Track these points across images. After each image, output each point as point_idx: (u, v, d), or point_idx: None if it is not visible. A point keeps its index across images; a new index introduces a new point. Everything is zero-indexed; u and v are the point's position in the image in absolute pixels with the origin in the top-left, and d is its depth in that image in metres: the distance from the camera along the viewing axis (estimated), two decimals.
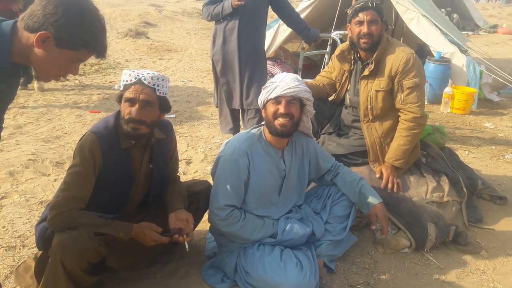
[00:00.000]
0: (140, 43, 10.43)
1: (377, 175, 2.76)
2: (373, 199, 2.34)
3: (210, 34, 3.85)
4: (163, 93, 2.02)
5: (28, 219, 2.82)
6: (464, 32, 12.38)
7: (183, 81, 7.21)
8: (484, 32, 15.55)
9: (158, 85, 2.00)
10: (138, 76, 1.96)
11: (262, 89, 2.24)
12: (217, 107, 3.95)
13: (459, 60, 5.87)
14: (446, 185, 2.85)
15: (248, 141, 2.22)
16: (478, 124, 5.14)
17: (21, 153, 3.75)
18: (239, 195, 2.17)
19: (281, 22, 5.52)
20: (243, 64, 3.59)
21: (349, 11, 2.79)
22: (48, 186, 3.28)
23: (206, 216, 2.34)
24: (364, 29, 2.66)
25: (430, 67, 5.86)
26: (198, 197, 2.34)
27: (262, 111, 2.26)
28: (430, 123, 4.82)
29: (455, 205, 2.82)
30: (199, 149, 4.17)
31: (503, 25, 16.22)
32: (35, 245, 2.33)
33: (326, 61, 5.13)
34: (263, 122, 2.31)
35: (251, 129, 2.34)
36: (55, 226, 1.88)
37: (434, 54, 5.92)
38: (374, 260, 2.48)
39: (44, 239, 2.00)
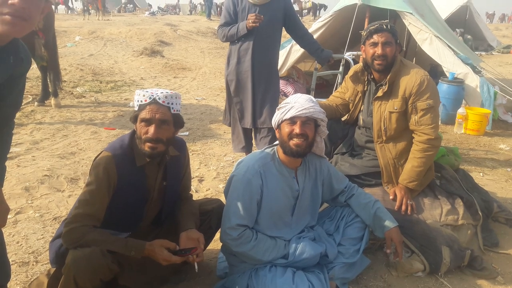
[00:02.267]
0: (155, 62, 10.61)
1: (391, 197, 2.74)
2: (389, 223, 2.32)
3: (223, 53, 3.91)
4: (177, 110, 2.06)
5: (42, 235, 2.85)
6: (477, 53, 12.38)
7: (196, 99, 7.29)
8: (497, 52, 15.51)
9: (172, 103, 2.03)
10: (153, 96, 1.99)
11: (276, 110, 2.25)
12: (229, 125, 3.98)
13: (472, 81, 5.86)
14: (460, 208, 2.81)
15: (261, 161, 2.22)
16: (492, 146, 5.09)
17: (37, 169, 3.81)
18: (251, 215, 2.17)
19: (294, 42, 5.58)
20: (257, 84, 3.63)
21: (364, 33, 2.81)
22: (62, 202, 3.32)
23: (217, 235, 2.34)
24: (379, 50, 2.68)
25: (443, 87, 5.85)
26: (210, 216, 2.35)
27: (276, 131, 2.27)
28: (443, 144, 4.78)
29: (470, 228, 2.78)
30: (212, 167, 4.19)
31: None
32: (48, 261, 2.35)
33: (339, 81, 5.16)
34: (276, 142, 2.32)
35: (265, 148, 2.35)
36: (68, 242, 1.90)
37: (447, 74, 5.91)
38: (388, 284, 2.44)
39: (58, 256, 2.02)
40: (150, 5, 41.72)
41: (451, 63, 5.96)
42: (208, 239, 2.39)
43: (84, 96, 7.06)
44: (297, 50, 6.89)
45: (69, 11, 31.64)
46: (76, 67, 9.14)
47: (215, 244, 2.61)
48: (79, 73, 8.78)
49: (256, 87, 3.63)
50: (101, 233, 1.95)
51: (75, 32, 14.27)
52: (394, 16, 6.41)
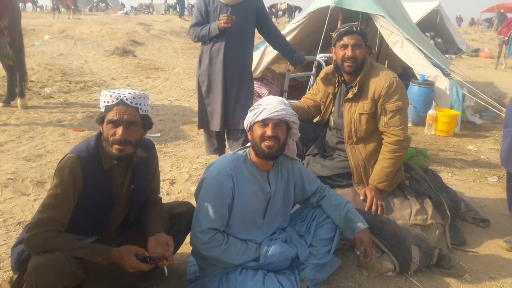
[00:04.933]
0: (127, 62, 10.43)
1: (361, 197, 2.76)
2: (359, 225, 2.34)
3: (197, 54, 3.86)
4: (145, 111, 2.02)
5: (4, 240, 2.74)
6: (447, 56, 12.70)
7: (169, 100, 7.20)
8: (466, 55, 15.97)
9: (140, 104, 1.98)
10: (120, 96, 1.94)
11: (248, 111, 2.23)
12: (200, 128, 3.91)
13: (442, 83, 6.00)
14: (429, 207, 2.86)
15: (233, 163, 2.19)
16: (461, 146, 5.21)
17: (1, 172, 3.66)
18: (222, 219, 2.14)
19: None
20: (229, 85, 3.59)
21: (334, 35, 2.83)
22: (27, 206, 3.20)
23: (188, 238, 2.30)
24: (348, 52, 2.70)
25: (414, 89, 5.96)
26: (180, 220, 2.31)
27: (248, 133, 2.25)
28: (414, 144, 4.88)
29: (438, 228, 2.83)
30: (184, 169, 4.14)
31: (485, 49, 16.69)
32: (10, 268, 2.25)
33: (311, 83, 5.18)
34: (248, 144, 2.30)
35: (237, 151, 2.32)
36: (30, 247, 1.83)
37: (418, 77, 6.03)
38: (358, 284, 2.45)
39: (20, 262, 1.94)
40: (123, 4, 41.09)
41: (421, 65, 6.08)
42: (178, 242, 2.34)
43: (53, 97, 6.87)
44: (271, 52, 6.89)
45: (37, 8, 30.84)
46: (45, 67, 8.88)
47: (186, 247, 2.56)
48: (48, 73, 8.53)
49: (228, 88, 3.60)
50: (66, 239, 1.88)
51: (44, 31, 13.90)
52: (367, 18, 6.50)
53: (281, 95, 5.25)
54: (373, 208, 2.68)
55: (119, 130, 1.92)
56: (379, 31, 6.36)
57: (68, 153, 1.99)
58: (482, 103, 6.30)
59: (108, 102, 1.94)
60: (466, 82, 6.79)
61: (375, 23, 6.25)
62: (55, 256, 1.77)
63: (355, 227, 2.34)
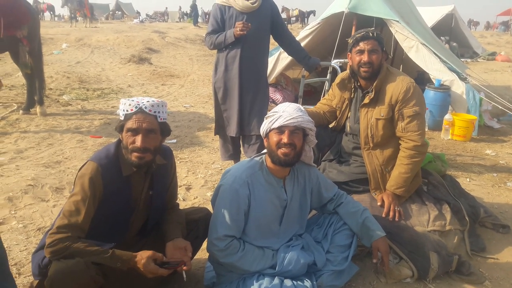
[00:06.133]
0: (143, 69, 10.57)
1: (379, 203, 2.74)
2: (376, 233, 2.32)
3: (212, 60, 3.90)
4: (163, 119, 2.04)
5: (25, 246, 2.79)
6: (463, 60, 12.56)
7: (185, 107, 7.26)
8: (482, 59, 15.76)
9: (158, 112, 2.01)
10: (138, 105, 1.97)
11: (264, 118, 2.24)
12: (217, 134, 3.94)
13: (458, 88, 5.93)
14: (448, 213, 2.82)
15: (249, 170, 2.20)
16: (479, 151, 5.14)
17: (21, 178, 3.74)
18: (238, 226, 2.15)
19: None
20: (245, 91, 3.62)
21: (350, 40, 2.83)
22: (47, 212, 3.26)
23: (205, 244, 2.31)
24: (365, 58, 2.70)
25: (430, 94, 5.91)
26: (197, 225, 2.32)
27: (265, 140, 2.26)
28: (431, 150, 4.83)
29: (457, 234, 2.79)
30: (200, 175, 4.16)
31: (502, 53, 16.45)
32: (31, 273, 2.29)
33: (326, 88, 5.18)
34: (264, 150, 2.31)
35: (253, 157, 2.33)
36: (51, 253, 1.85)
37: (434, 81, 5.98)
38: None
39: (40, 268, 1.97)
40: (138, 12, 41.65)
41: (437, 70, 6.02)
42: (196, 248, 2.36)
43: (71, 104, 6.99)
44: (285, 58, 6.91)
45: (55, 17, 31.47)
46: (63, 75, 9.05)
47: (203, 253, 2.58)
48: (66, 81, 8.69)
49: (244, 94, 3.62)
50: (86, 244, 1.90)
51: (62, 40, 14.18)
52: (381, 24, 6.47)
53: (296, 101, 5.26)
54: (391, 214, 2.66)
55: (139, 138, 1.95)
56: (394, 36, 6.33)
57: (88, 160, 2.03)
58: (500, 107, 6.21)
59: (127, 110, 1.97)
60: (483, 86, 6.70)
61: (390, 28, 6.22)
62: (75, 262, 1.80)
63: (372, 235, 2.32)
